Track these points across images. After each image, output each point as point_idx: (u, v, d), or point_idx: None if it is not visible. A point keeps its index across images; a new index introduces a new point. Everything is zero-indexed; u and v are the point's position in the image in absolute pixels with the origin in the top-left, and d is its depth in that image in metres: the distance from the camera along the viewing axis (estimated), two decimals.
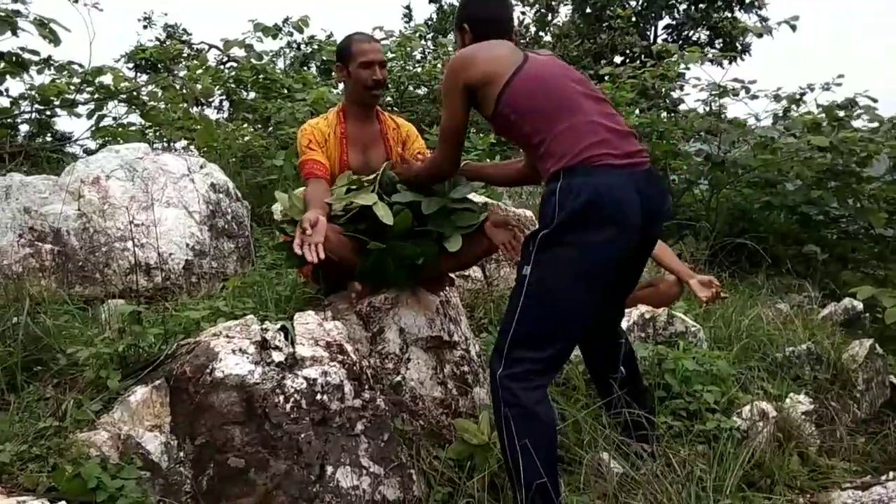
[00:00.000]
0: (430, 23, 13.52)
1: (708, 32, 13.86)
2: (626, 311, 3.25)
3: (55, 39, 4.10)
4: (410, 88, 7.63)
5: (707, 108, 6.99)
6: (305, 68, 9.37)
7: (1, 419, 1.92)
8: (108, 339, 2.23)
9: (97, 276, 3.17)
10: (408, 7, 13.98)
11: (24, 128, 5.99)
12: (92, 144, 5.91)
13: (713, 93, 6.50)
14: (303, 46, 9.67)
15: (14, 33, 3.98)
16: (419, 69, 7.68)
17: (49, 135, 6.69)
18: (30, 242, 3.18)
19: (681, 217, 6.58)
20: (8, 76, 4.73)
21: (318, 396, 2.06)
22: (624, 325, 3.15)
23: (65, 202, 3.28)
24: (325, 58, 8.74)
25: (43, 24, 4.04)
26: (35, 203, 3.29)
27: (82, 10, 4.75)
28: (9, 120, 5.53)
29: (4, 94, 4.98)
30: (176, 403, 2.00)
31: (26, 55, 4.65)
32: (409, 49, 7.79)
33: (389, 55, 7.64)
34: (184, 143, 5.89)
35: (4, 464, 1.76)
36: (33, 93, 5.39)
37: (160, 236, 3.35)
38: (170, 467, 1.88)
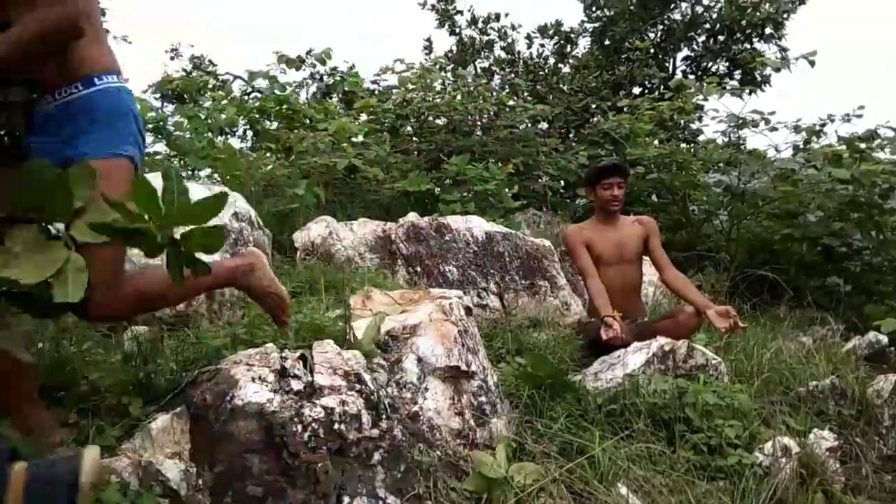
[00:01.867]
0: (449, 55, 13.72)
1: (727, 64, 13.90)
2: (646, 342, 3.24)
3: None
4: (430, 119, 7.74)
5: (726, 140, 7.00)
6: (327, 99, 9.54)
7: (25, 443, 1.95)
8: (131, 365, 2.26)
9: None
10: (428, 40, 14.21)
11: None
12: None
13: (732, 124, 6.51)
14: (325, 78, 9.87)
15: None
16: (439, 100, 7.79)
17: None
18: None
19: (700, 248, 6.55)
20: None
21: (336, 426, 2.06)
22: (643, 357, 3.13)
23: None
24: (346, 89, 8.90)
25: None
26: None
27: (112, 42, 4.91)
28: None
29: None
30: (196, 431, 2.01)
31: None
32: (428, 80, 7.92)
33: (409, 86, 7.77)
34: (207, 171, 6.01)
35: None
36: None
37: None
38: (189, 495, 1.89)
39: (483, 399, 2.64)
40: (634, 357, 3.16)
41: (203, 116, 6.18)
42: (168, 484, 1.87)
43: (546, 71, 13.39)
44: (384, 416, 2.23)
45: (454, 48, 14.32)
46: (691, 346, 3.26)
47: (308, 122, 7.27)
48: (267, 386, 2.07)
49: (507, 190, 6.04)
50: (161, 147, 6.04)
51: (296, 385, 2.11)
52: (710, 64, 14.09)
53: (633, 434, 2.57)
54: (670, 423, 2.66)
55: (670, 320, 3.61)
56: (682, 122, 7.67)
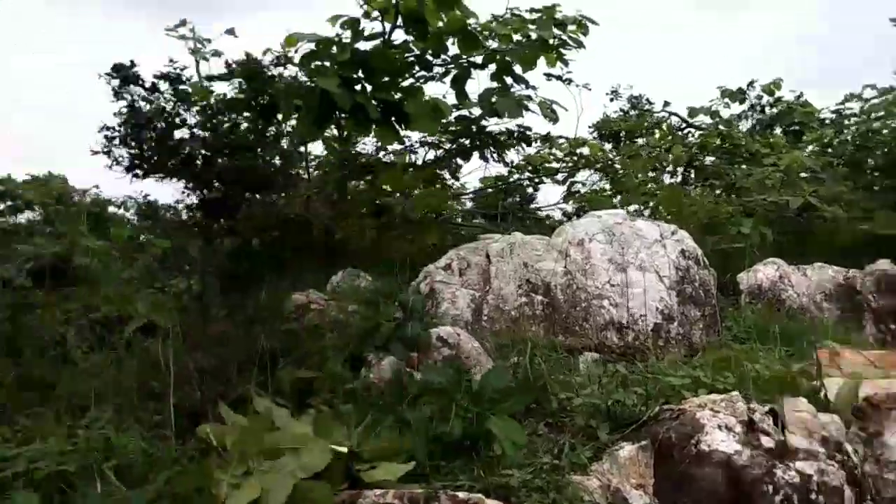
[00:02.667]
0: None
1: None
2: None
3: (554, 118, 4.74)
4: None
5: None
6: (769, 131, 8.89)
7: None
8: (596, 391, 2.42)
9: (577, 329, 3.50)
10: None
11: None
12: (568, 208, 6.62)
13: None
14: (767, 109, 9.21)
15: (521, 114, 4.75)
16: None
17: (523, 198, 7.74)
18: (526, 293, 3.70)
19: None
20: (510, 149, 5.67)
21: (813, 496, 1.87)
22: None
23: (555, 260, 3.73)
24: (796, 119, 8.16)
25: (545, 105, 4.72)
26: (531, 259, 3.82)
27: (573, 90, 5.43)
28: (503, 185, 6.63)
29: (506, 163, 5.96)
30: (660, 467, 2.05)
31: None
32: None
33: (880, 113, 6.73)
34: (642, 207, 6.15)
35: (513, 487, 2.04)
36: (524, 162, 6.35)
37: (632, 298, 3.53)
38: None
39: None
40: None
41: (644, 154, 6.36)
42: None
43: None
44: (868, 497, 1.93)
45: None
46: None
47: (749, 156, 6.87)
48: (734, 437, 1.99)
49: None
50: (605, 185, 6.41)
51: (766, 441, 1.98)
52: None
53: None
54: None
55: None
56: None
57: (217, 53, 3.84)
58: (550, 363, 2.99)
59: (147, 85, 2.73)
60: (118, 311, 3.58)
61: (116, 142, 2.60)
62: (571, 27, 5.33)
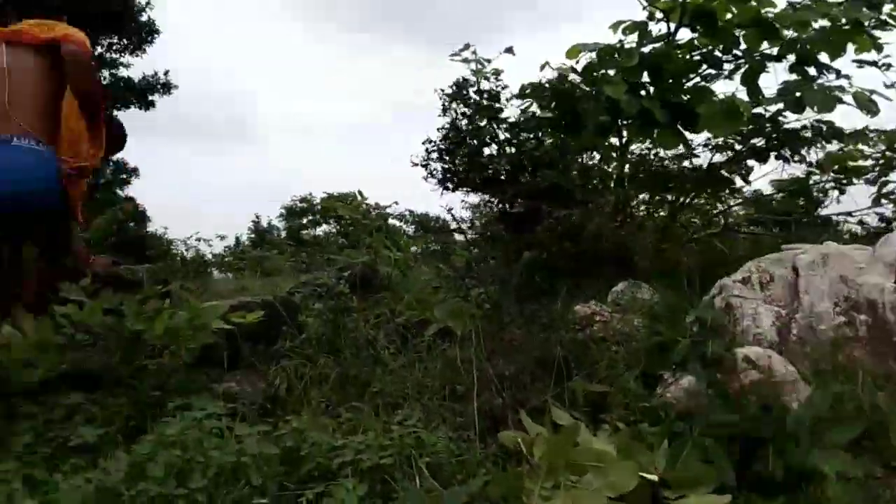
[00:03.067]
0: None
1: None
2: None
3: (874, 110, 4.09)
4: None
5: None
6: None
7: None
8: None
9: None
10: None
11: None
12: (886, 212, 5.67)
13: None
14: None
15: (833, 108, 4.17)
16: None
17: (816, 203, 6.79)
18: (844, 311, 3.22)
19: None
20: (813, 147, 5.02)
21: None
22: None
23: (882, 274, 3.19)
24: None
25: (863, 96, 4.10)
26: (850, 272, 3.31)
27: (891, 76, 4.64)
28: (800, 188, 5.90)
29: (808, 164, 5.29)
30: None
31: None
32: None
33: None
34: None
35: None
36: (825, 162, 5.57)
37: None
38: None
39: None
40: None
41: None
42: None
43: None
44: None
45: None
46: None
47: None
48: None
49: None
50: None
51: None
52: None
53: None
54: None
55: None
56: None
57: (497, 72, 4.01)
58: (887, 393, 2.55)
59: (470, 102, 2.93)
60: (419, 316, 3.90)
61: (434, 156, 2.83)
62: (888, 6, 4.64)
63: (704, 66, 4.51)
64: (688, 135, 4.69)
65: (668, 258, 4.82)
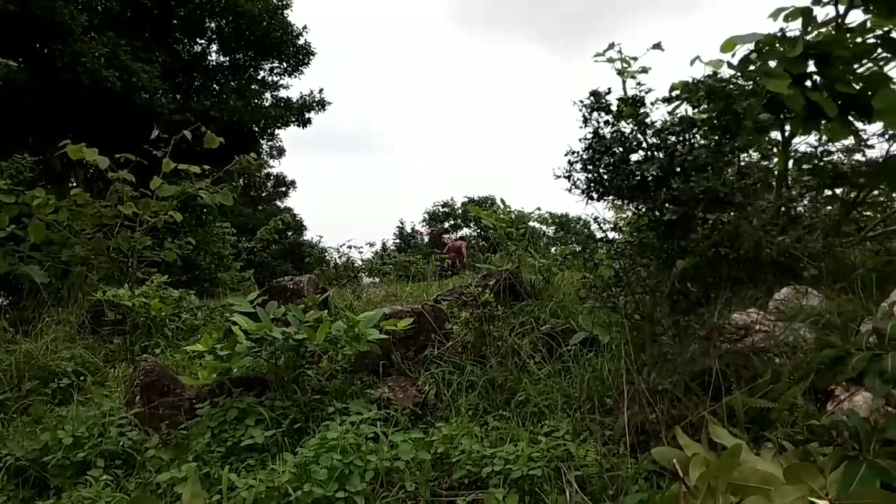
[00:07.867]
0: None
1: None
2: None
3: None
4: None
5: None
6: None
7: None
8: None
9: None
10: None
11: None
12: None
13: None
14: None
15: None
16: None
17: None
18: None
19: None
20: None
21: None
22: None
23: None
24: None
25: None
26: None
27: None
28: None
29: None
30: None
31: None
32: None
33: None
34: None
35: None
36: None
37: None
38: None
39: None
40: None
41: None
42: None
43: None
44: None
45: None
46: None
47: None
48: None
49: None
50: None
51: None
52: None
53: None
54: None
55: None
56: None
57: (644, 70, 3.84)
58: None
59: (612, 110, 2.86)
60: (564, 324, 3.86)
61: (578, 166, 2.79)
62: None
63: (879, 51, 4.07)
64: (859, 125, 4.26)
65: (840, 260, 4.40)
